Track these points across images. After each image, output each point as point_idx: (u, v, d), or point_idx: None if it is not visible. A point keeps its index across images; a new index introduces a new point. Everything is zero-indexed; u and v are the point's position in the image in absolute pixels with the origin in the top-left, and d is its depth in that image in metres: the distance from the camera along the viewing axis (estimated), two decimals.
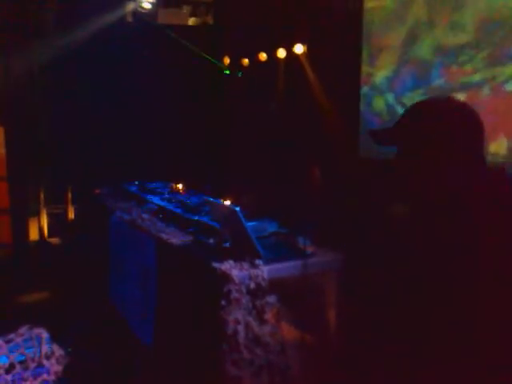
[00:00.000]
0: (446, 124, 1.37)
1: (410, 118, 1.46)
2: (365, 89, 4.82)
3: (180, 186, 4.84)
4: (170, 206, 4.13)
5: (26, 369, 2.37)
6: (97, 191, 5.22)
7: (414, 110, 1.47)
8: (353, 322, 2.33)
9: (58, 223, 6.33)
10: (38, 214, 6.26)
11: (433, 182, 1.41)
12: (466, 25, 3.82)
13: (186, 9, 6.88)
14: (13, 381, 2.30)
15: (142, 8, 6.40)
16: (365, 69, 4.80)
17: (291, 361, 2.69)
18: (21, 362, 2.37)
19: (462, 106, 1.43)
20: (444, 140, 1.36)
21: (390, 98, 4.55)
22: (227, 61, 6.60)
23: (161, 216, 3.96)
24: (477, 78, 3.75)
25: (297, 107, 5.58)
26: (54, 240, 6.31)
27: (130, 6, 6.46)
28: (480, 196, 1.37)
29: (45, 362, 2.45)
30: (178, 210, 3.97)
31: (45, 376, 2.39)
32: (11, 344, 2.35)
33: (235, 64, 6.44)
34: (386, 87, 4.60)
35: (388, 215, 1.61)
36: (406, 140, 1.43)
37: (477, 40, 3.74)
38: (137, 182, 5.13)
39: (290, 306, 2.68)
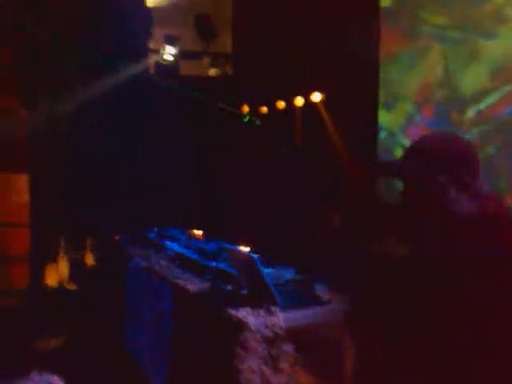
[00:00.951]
0: (452, 152, 1.52)
1: (415, 150, 1.59)
2: (382, 134, 4.85)
3: (198, 232, 4.85)
4: (188, 253, 4.13)
5: None
6: (116, 238, 5.26)
7: (419, 144, 1.60)
8: (368, 371, 2.27)
9: (76, 270, 6.36)
10: (56, 261, 6.30)
11: (445, 209, 1.52)
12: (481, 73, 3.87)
13: (206, 60, 7.09)
14: None
15: (164, 60, 6.61)
16: (382, 115, 4.84)
17: None
18: None
19: (458, 136, 1.59)
20: (450, 167, 1.50)
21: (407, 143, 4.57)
22: (246, 109, 6.73)
23: (178, 262, 3.96)
24: None
25: (315, 153, 5.63)
26: (72, 286, 6.32)
27: (153, 58, 6.69)
28: (492, 218, 1.47)
29: None
30: (196, 256, 3.96)
31: None
32: None
33: (254, 112, 6.56)
34: (402, 134, 4.63)
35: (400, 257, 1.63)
36: (411, 171, 1.55)
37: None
38: (155, 229, 5.16)
39: (307, 355, 2.62)
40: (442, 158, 1.51)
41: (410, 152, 1.60)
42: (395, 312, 1.57)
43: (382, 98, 4.84)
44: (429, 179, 1.52)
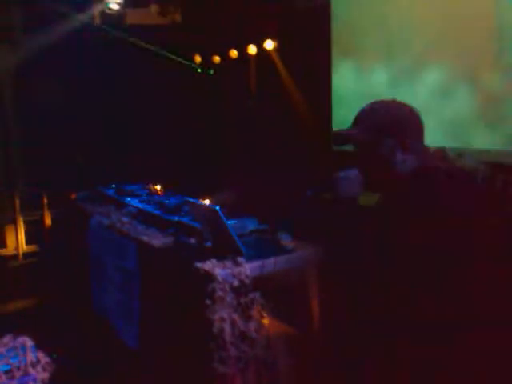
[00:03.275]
0: (397, 118, 1.66)
1: (362, 118, 1.71)
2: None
3: (158, 187, 4.83)
4: (149, 208, 4.13)
5: (12, 378, 2.37)
6: (73, 196, 5.17)
7: (365, 111, 1.72)
8: (336, 312, 2.40)
9: (35, 230, 6.26)
10: (14, 222, 6.19)
11: (390, 169, 1.66)
12: None
13: (153, 8, 6.83)
14: None
15: (110, 9, 6.34)
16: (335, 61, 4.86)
17: (277, 355, 2.73)
18: (6, 372, 2.37)
19: (404, 104, 1.71)
20: (395, 131, 1.64)
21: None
22: (198, 59, 6.60)
23: (140, 218, 3.96)
24: None
25: (269, 103, 5.62)
26: (32, 247, 6.24)
27: (98, 8, 6.40)
28: (431, 173, 1.61)
29: (31, 370, 2.44)
30: (158, 212, 3.97)
31: None
32: None
33: (206, 62, 6.45)
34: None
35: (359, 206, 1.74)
36: (361, 137, 1.67)
37: None
38: (114, 185, 5.10)
39: (274, 302, 2.72)
40: (388, 123, 1.65)
41: (359, 119, 1.71)
42: (360, 258, 1.67)
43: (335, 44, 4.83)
44: (377, 143, 1.65)
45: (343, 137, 1.74)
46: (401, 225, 1.58)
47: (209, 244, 3.16)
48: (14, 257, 6.16)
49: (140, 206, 4.25)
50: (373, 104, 1.73)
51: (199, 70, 6.55)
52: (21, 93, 6.12)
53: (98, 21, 6.51)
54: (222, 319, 2.58)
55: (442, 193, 1.54)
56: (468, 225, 1.47)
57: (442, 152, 1.70)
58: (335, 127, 4.84)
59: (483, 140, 3.70)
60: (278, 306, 2.73)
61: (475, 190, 1.57)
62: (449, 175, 1.58)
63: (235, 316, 2.62)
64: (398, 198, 1.65)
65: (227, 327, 2.58)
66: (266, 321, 2.71)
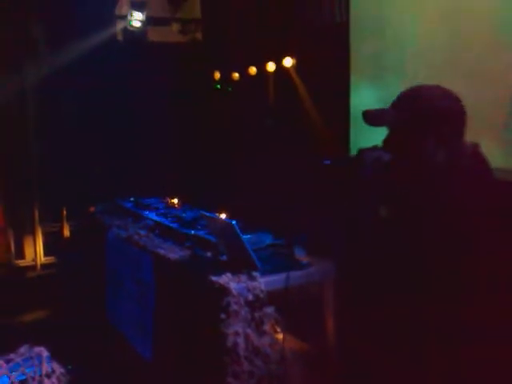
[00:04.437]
0: (439, 107, 1.57)
1: (403, 100, 1.64)
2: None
3: (175, 200, 4.87)
4: (166, 221, 4.16)
5: None
6: (91, 208, 5.23)
7: (408, 94, 1.65)
8: (351, 330, 2.38)
9: (53, 242, 6.34)
10: (33, 233, 6.28)
11: (421, 159, 1.59)
12: None
13: (175, 26, 6.97)
14: None
15: (132, 26, 6.48)
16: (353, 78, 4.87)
17: (291, 371, 2.72)
18: (22, 382, 2.38)
19: (449, 92, 1.62)
20: (436, 121, 1.56)
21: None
22: (217, 75, 6.68)
23: (157, 231, 3.99)
24: None
25: (287, 119, 5.66)
26: (50, 258, 6.32)
27: (120, 25, 6.54)
28: (463, 171, 1.55)
29: (46, 380, 2.45)
30: (175, 225, 4.00)
31: None
32: (11, 364, 2.36)
33: (226, 79, 6.52)
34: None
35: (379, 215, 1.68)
36: (399, 120, 1.60)
37: None
38: (132, 198, 5.15)
39: (289, 317, 2.71)
40: (428, 110, 1.57)
41: (400, 102, 1.65)
42: (378, 272, 1.63)
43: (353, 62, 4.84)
44: (414, 129, 1.58)
45: (378, 115, 1.67)
46: (422, 229, 1.52)
47: (224, 258, 3.17)
48: (32, 268, 6.25)
49: (157, 219, 4.29)
50: (416, 88, 1.66)
51: (218, 87, 6.64)
52: (42, 106, 6.25)
53: (120, 37, 6.66)
54: (236, 333, 2.58)
55: (466, 195, 1.48)
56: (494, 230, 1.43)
57: (476, 147, 1.62)
58: (352, 146, 4.84)
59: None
60: (292, 321, 2.72)
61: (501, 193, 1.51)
62: (477, 177, 1.53)
63: (249, 330, 2.62)
64: (420, 192, 1.56)
65: (241, 341, 2.58)
66: (280, 336, 2.70)
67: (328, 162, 1.73)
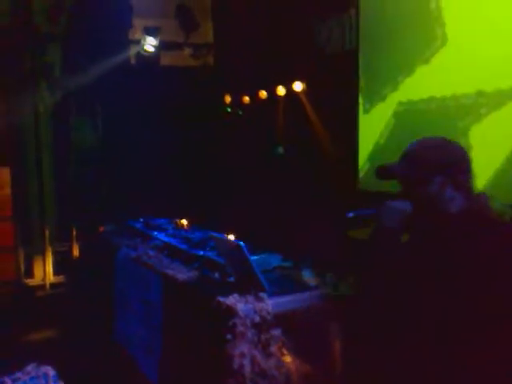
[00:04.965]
0: (450, 155, 1.65)
1: (410, 153, 1.70)
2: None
3: (184, 221, 4.91)
4: (175, 242, 4.19)
5: None
6: (101, 229, 5.28)
7: (415, 147, 1.71)
8: (356, 354, 2.37)
9: (63, 261, 6.38)
10: (42, 253, 6.32)
11: (438, 206, 1.63)
12: None
13: (187, 51, 7.10)
14: None
15: (145, 51, 6.62)
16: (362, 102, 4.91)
17: None
18: None
19: (455, 142, 1.70)
20: (449, 169, 1.62)
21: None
22: (228, 99, 6.78)
23: (166, 252, 4.02)
24: None
25: (296, 143, 5.71)
26: (59, 278, 6.35)
27: (134, 49, 6.68)
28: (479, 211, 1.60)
29: None
30: (183, 246, 4.02)
31: None
32: (18, 382, 2.37)
33: (236, 102, 6.61)
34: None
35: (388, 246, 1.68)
36: (408, 173, 1.66)
37: None
38: (142, 219, 5.20)
39: (295, 339, 2.70)
40: (443, 160, 1.63)
41: (408, 156, 1.71)
42: (387, 300, 1.64)
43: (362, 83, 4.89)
44: (428, 180, 1.63)
45: (390, 171, 1.72)
46: (442, 265, 1.53)
47: (232, 279, 3.18)
48: (41, 287, 6.27)
49: (166, 239, 4.32)
50: (423, 141, 1.72)
51: (228, 110, 6.72)
52: (55, 128, 6.36)
53: (133, 62, 6.79)
54: (242, 355, 2.57)
55: (487, 233, 1.52)
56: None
57: (485, 196, 1.68)
58: (361, 170, 4.86)
59: None
60: (299, 343, 2.71)
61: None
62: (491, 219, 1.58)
63: (255, 352, 2.61)
64: (444, 237, 1.58)
65: (247, 363, 2.57)
66: (286, 358, 2.68)
67: (351, 215, 1.78)
